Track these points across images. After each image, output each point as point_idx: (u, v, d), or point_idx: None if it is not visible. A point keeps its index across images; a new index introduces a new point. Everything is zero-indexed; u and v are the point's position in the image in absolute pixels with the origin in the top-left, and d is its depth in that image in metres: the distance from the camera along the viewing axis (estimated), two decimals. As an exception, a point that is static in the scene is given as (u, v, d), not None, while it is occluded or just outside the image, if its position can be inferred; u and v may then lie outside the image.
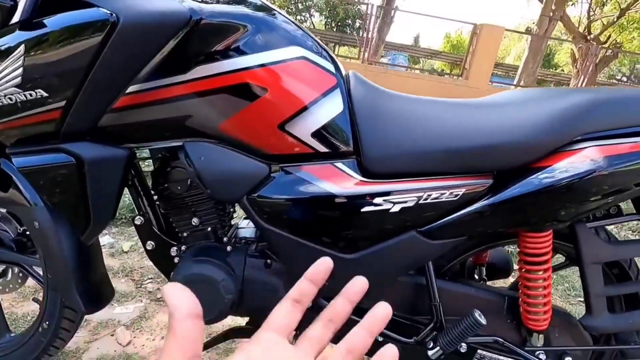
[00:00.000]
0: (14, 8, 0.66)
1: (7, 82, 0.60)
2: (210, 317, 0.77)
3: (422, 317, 0.83)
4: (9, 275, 1.02)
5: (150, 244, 0.86)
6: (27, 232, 0.96)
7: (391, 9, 8.49)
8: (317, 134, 0.70)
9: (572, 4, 10.53)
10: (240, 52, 0.64)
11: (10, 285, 1.02)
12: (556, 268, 0.95)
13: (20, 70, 0.59)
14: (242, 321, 1.26)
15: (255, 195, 0.71)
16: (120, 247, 1.78)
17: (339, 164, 0.71)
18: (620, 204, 0.75)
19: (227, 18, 0.63)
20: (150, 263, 0.89)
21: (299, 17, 22.96)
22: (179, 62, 0.63)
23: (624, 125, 0.67)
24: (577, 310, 1.72)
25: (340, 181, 0.71)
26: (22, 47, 0.59)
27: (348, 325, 0.27)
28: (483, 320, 0.73)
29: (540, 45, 8.53)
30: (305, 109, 0.68)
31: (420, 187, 0.70)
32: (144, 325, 1.32)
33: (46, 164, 0.66)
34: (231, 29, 0.63)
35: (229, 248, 0.83)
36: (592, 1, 11.18)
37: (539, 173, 0.67)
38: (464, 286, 0.85)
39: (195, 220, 0.83)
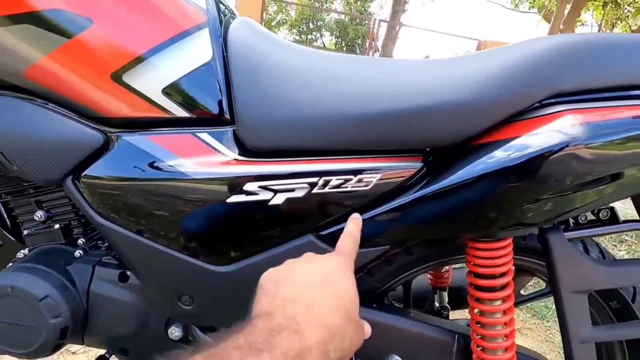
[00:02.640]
0: None
1: None
2: (32, 348, 0.55)
3: None
4: None
5: (-8, 245, 0.66)
6: None
7: (396, 24, 8.42)
8: (171, 90, 0.49)
9: (581, 25, 10.37)
10: None
11: None
12: (534, 296, 0.71)
13: None
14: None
15: (84, 174, 0.50)
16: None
17: (203, 135, 0.50)
18: (613, 204, 0.52)
19: None
20: None
21: (309, 37, 23.33)
22: None
23: (616, 83, 0.45)
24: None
25: (203, 158, 0.49)
26: None
27: None
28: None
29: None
30: (152, 52, 0.48)
31: (315, 170, 0.48)
32: None
33: None
34: None
35: (77, 253, 0.61)
36: (602, 23, 11.02)
37: (488, 151, 0.45)
38: (399, 318, 0.61)
39: (39, 214, 0.62)
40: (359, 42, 22.53)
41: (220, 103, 0.50)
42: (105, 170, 0.50)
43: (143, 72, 0.48)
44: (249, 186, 0.48)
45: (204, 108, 0.50)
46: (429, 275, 0.81)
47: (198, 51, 0.50)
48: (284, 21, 22.87)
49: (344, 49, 21.70)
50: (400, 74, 0.51)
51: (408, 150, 0.49)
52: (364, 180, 0.48)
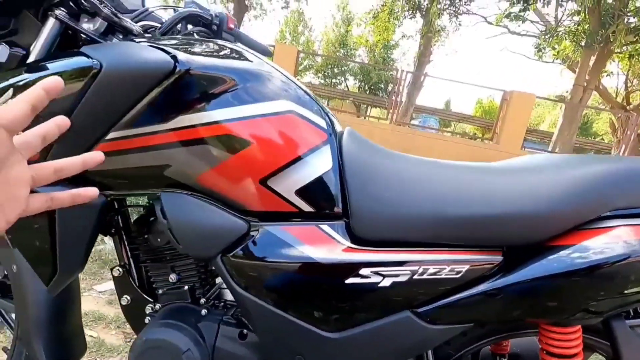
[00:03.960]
0: (26, 58, 0.69)
1: None
2: (170, 392, 0.67)
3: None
4: (-12, 318, 0.98)
5: (125, 299, 0.80)
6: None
7: (421, 75, 8.80)
8: (302, 192, 0.64)
9: (607, 75, 10.47)
10: (226, 103, 0.62)
11: (-13, 330, 0.98)
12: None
13: None
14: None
15: (231, 254, 0.65)
16: (115, 297, 1.72)
17: (325, 227, 0.64)
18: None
19: (215, 70, 0.63)
20: None
21: (334, 81, 24.41)
22: (163, 110, 0.62)
23: (663, 202, 0.56)
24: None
25: (324, 246, 0.63)
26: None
27: None
28: None
29: (575, 113, 8.37)
30: (290, 164, 0.63)
31: (416, 260, 0.61)
32: (121, 387, 1.20)
33: None
34: (219, 81, 0.62)
35: (203, 312, 0.75)
36: (629, 73, 11.07)
37: (558, 253, 0.57)
38: (475, 385, 0.70)
39: (172, 277, 0.77)
40: (382, 86, 23.36)
41: (337, 201, 0.65)
42: (247, 252, 0.64)
43: (283, 178, 0.63)
44: (364, 271, 0.61)
45: (325, 205, 0.64)
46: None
47: (323, 161, 0.65)
48: (310, 66, 24.19)
49: (367, 92, 22.49)
50: (485, 179, 0.64)
51: (491, 246, 0.61)
52: (455, 269, 0.60)
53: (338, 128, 0.73)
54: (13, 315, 0.96)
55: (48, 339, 0.81)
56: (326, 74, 24.32)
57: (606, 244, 0.54)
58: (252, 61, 0.68)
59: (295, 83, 0.70)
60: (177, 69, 0.59)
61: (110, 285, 1.79)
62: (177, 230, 0.65)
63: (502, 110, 6.83)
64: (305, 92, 0.70)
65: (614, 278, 0.54)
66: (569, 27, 8.95)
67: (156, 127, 0.62)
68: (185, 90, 0.61)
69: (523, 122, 6.72)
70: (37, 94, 0.31)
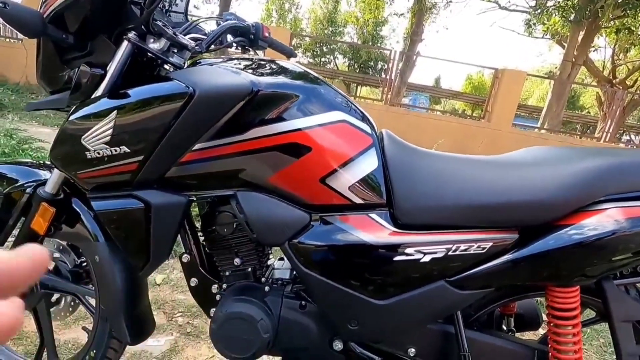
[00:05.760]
0: (102, 77, 0.80)
1: (98, 139, 0.72)
2: (247, 354, 0.82)
3: (451, 367, 0.84)
4: (62, 303, 1.11)
5: (194, 281, 0.94)
6: (84, 265, 1.06)
7: (413, 55, 8.83)
8: (353, 187, 0.77)
9: (594, 50, 10.64)
10: (291, 116, 0.74)
11: (62, 313, 1.11)
12: (588, 323, 0.95)
13: (110, 130, 0.71)
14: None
15: (296, 241, 0.78)
16: (153, 280, 1.86)
17: (374, 215, 0.78)
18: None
19: (281, 89, 0.74)
20: (182, 297, 0.96)
21: (323, 59, 24.09)
22: (238, 124, 0.74)
23: (646, 188, 0.71)
24: (614, 368, 1.63)
25: (374, 231, 0.77)
26: (115, 112, 0.71)
27: None
28: (512, 374, 0.75)
29: (563, 89, 8.57)
30: (344, 165, 0.77)
31: (450, 240, 0.75)
32: (174, 359, 1.36)
33: (120, 207, 0.76)
34: (283, 98, 0.74)
35: (267, 288, 0.89)
36: (616, 47, 11.25)
37: (563, 230, 0.72)
38: (493, 337, 0.87)
39: (237, 261, 0.91)
40: (372, 64, 23.17)
41: (382, 194, 0.78)
42: (310, 239, 0.78)
43: (338, 177, 0.77)
44: (408, 250, 0.75)
45: (373, 198, 0.78)
46: (499, 305, 1.06)
47: (370, 161, 0.78)
48: (299, 45, 23.79)
49: (357, 70, 22.31)
50: (503, 172, 0.78)
51: (509, 226, 0.76)
52: (481, 246, 0.75)
53: (377, 130, 0.86)
54: (88, 299, 1.10)
55: (129, 317, 0.95)
56: (315, 52, 23.94)
57: (600, 222, 0.70)
58: (307, 78, 0.80)
59: (341, 94, 0.82)
60: (253, 90, 0.71)
61: (142, 271, 1.92)
62: (252, 223, 0.78)
63: (494, 88, 6.97)
64: (350, 102, 0.82)
65: (606, 248, 0.69)
66: (559, 2, 9.01)
67: (233, 139, 0.74)
68: (257, 107, 0.73)
69: (514, 100, 6.88)
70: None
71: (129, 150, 0.72)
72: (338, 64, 24.77)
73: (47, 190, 0.90)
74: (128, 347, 1.37)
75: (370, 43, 21.49)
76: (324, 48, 23.74)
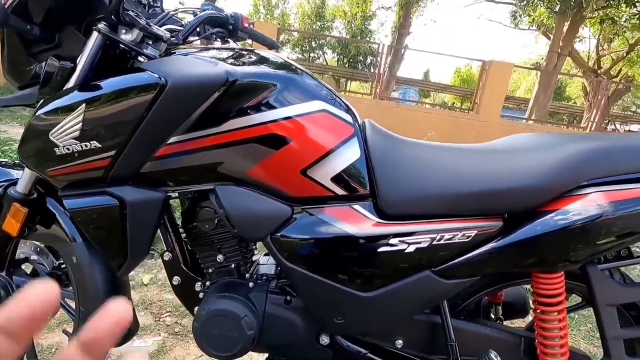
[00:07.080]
0: (72, 70, 0.76)
1: (67, 135, 0.69)
2: (232, 352, 0.80)
3: (438, 357, 0.84)
4: (41, 307, 1.08)
5: (176, 279, 0.91)
6: (62, 266, 1.03)
7: (402, 48, 8.83)
8: (336, 179, 0.75)
9: (579, 41, 10.76)
10: (269, 106, 0.72)
11: (42, 317, 1.07)
12: (574, 308, 0.95)
13: (79, 125, 0.68)
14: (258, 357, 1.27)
15: (279, 235, 0.77)
16: (140, 280, 1.83)
17: (357, 206, 0.76)
18: (630, 246, 0.77)
19: (258, 78, 0.72)
20: (169, 296, 0.94)
21: (312, 55, 23.95)
22: (214, 116, 0.71)
23: (629, 172, 0.71)
24: (601, 352, 1.66)
25: (357, 222, 0.75)
26: (83, 105, 0.68)
27: None
28: (499, 361, 0.74)
29: (550, 79, 8.66)
30: (325, 156, 0.75)
31: (434, 229, 0.74)
32: (162, 359, 1.33)
33: (93, 205, 0.73)
34: (261, 87, 0.72)
35: (251, 284, 0.87)
36: (600, 37, 11.39)
37: (547, 216, 0.71)
38: (480, 326, 0.86)
39: (220, 257, 0.89)
40: (361, 58, 23.11)
41: (365, 185, 0.77)
42: (292, 232, 0.76)
43: (319, 168, 0.75)
44: (392, 240, 0.74)
45: (355, 188, 0.77)
46: (487, 294, 1.06)
47: (352, 152, 0.77)
48: (287, 40, 23.59)
49: (346, 65, 22.25)
50: (488, 160, 0.77)
51: (493, 214, 0.75)
52: (466, 234, 0.74)
53: (359, 120, 0.84)
54: (67, 301, 1.06)
55: (110, 318, 0.92)
56: (304, 48, 23.78)
57: (583, 207, 0.69)
58: (287, 67, 0.77)
59: (321, 84, 0.80)
60: (228, 80, 0.68)
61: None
62: (232, 217, 0.76)
63: (481, 80, 7.00)
64: (331, 91, 0.80)
65: (590, 233, 0.69)
66: (544, -7, 9.07)
67: (210, 131, 0.71)
68: (234, 97, 0.71)
69: (502, 91, 6.93)
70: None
71: (100, 146, 0.69)
72: (327, 59, 24.67)
73: (19, 190, 0.86)
74: (112, 348, 1.34)
75: (358, 37, 21.43)
76: (313, 43, 23.59)
